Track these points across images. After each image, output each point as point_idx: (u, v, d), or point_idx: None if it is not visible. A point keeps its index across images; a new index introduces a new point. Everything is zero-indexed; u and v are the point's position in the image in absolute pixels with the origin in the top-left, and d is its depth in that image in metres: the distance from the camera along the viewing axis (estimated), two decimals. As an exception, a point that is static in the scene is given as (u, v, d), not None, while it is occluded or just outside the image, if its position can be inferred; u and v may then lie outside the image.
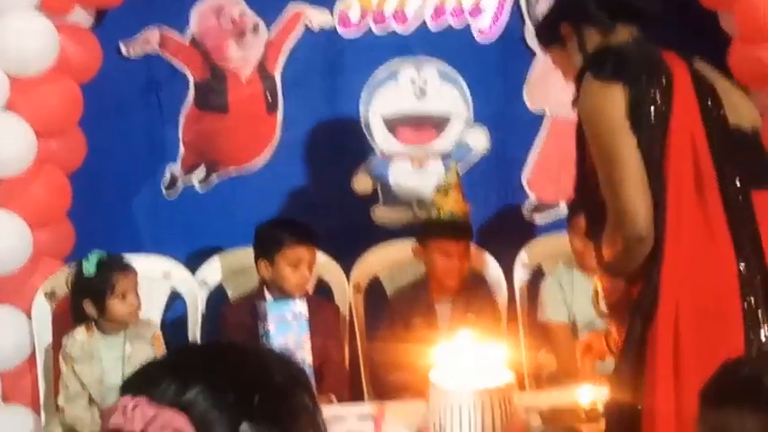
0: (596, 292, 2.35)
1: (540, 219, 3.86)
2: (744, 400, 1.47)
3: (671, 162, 2.10)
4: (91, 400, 3.22)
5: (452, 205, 3.37)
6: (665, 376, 1.98)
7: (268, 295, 3.29)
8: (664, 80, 2.15)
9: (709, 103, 2.15)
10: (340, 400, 3.26)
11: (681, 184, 2.10)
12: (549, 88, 3.77)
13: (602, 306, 2.28)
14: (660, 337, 2.02)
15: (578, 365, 3.10)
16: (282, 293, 3.28)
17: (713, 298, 2.07)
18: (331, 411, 3.00)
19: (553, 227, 3.73)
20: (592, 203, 2.27)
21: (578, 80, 2.24)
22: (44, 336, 3.43)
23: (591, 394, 2.82)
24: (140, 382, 1.10)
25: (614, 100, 2.06)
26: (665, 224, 2.08)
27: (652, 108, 2.09)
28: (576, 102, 2.27)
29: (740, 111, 2.19)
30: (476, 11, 3.77)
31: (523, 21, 3.81)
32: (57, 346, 3.36)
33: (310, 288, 3.45)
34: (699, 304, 2.05)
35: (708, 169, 2.10)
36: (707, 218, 2.09)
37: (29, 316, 3.40)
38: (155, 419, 1.03)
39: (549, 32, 2.41)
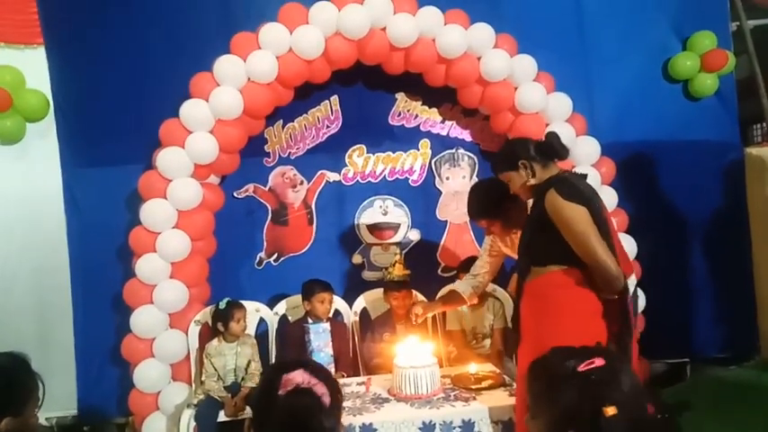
0: None
1: (445, 274, 4.50)
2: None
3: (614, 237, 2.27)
4: (218, 378, 3.61)
5: (396, 272, 3.86)
6: None
7: (309, 319, 3.75)
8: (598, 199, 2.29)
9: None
10: (348, 375, 3.57)
11: (614, 242, 2.28)
12: (448, 209, 4.49)
13: None
14: None
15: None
16: (316, 318, 3.71)
17: None
18: (343, 382, 3.28)
19: (453, 278, 4.21)
20: (537, 251, 2.40)
21: (535, 191, 2.44)
22: (194, 344, 3.77)
23: (475, 367, 3.22)
24: (305, 366, 1.41)
25: (581, 211, 2.26)
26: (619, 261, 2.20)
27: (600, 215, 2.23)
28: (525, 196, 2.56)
29: None
30: (410, 171, 4.52)
31: (434, 175, 4.49)
32: (201, 348, 3.66)
33: (330, 314, 3.76)
34: None
35: (615, 234, 2.35)
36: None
37: (186, 334, 3.78)
38: (319, 383, 1.40)
39: (508, 165, 2.52)
